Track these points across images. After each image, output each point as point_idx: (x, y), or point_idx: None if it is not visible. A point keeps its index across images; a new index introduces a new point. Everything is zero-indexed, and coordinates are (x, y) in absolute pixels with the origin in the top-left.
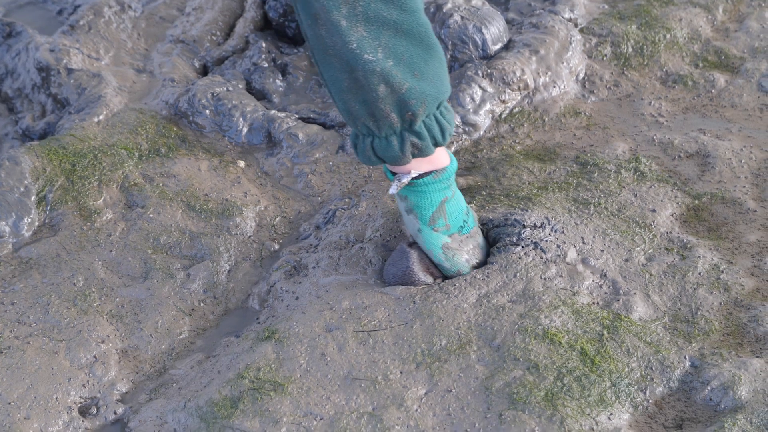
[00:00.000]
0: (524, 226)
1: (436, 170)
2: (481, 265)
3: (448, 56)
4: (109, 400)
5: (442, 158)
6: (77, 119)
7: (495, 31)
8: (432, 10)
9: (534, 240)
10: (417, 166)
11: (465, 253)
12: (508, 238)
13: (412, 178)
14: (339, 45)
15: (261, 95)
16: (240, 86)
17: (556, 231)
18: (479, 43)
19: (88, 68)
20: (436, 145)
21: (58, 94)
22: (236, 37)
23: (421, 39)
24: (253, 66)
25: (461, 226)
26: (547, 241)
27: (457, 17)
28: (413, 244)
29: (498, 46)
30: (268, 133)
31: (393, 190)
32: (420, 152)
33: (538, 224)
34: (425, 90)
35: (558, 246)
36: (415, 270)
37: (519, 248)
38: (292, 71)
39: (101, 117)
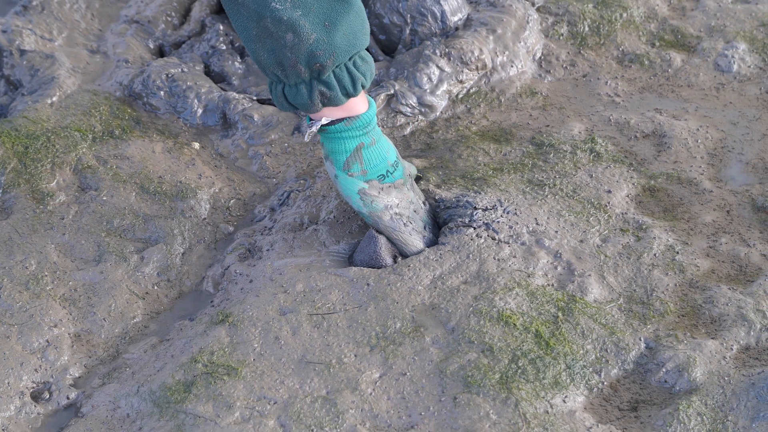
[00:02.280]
0: (476, 208)
1: (348, 117)
2: (415, 224)
3: (408, 30)
4: (62, 385)
5: (357, 106)
6: (30, 101)
7: (453, 3)
8: None
9: (486, 221)
10: (329, 113)
11: (385, 200)
12: (459, 219)
13: (323, 125)
14: None
15: (220, 78)
16: (197, 69)
17: (508, 212)
18: (438, 15)
19: (41, 49)
20: (348, 95)
21: (10, 76)
22: (192, 21)
23: None
24: (212, 49)
25: (382, 175)
26: (499, 222)
27: None
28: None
29: (457, 17)
30: (223, 115)
31: (306, 137)
32: (329, 101)
33: (490, 206)
34: (335, 42)
35: (510, 227)
36: (382, 255)
37: (471, 229)
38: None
39: (54, 98)
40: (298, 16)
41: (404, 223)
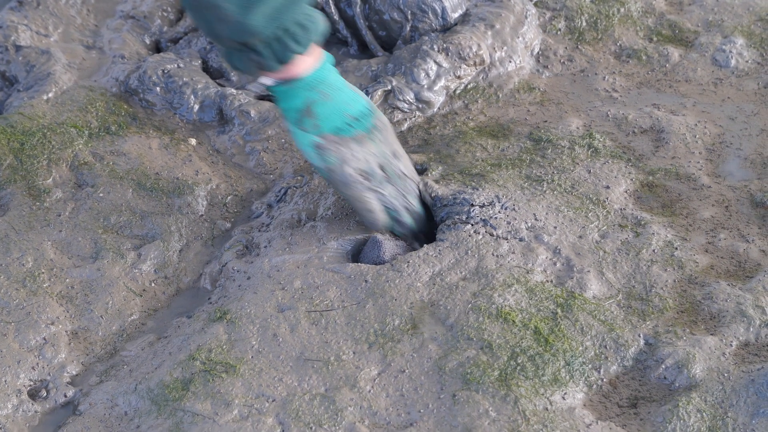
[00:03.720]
0: (473, 205)
1: (290, 78)
2: (374, 182)
3: (408, 26)
4: (59, 383)
5: (297, 69)
6: (26, 97)
7: None
8: None
9: (483, 217)
10: (272, 74)
11: (342, 154)
12: (457, 216)
13: (267, 86)
14: None
15: (219, 74)
16: (195, 64)
17: (506, 208)
18: (438, 11)
19: (36, 45)
20: (281, 62)
21: (6, 72)
22: (189, 17)
23: None
24: (210, 44)
25: (338, 128)
26: (497, 218)
27: None
28: (384, 234)
29: (457, 14)
30: (219, 111)
31: (251, 95)
32: (263, 68)
33: (488, 202)
34: (255, 22)
35: (509, 223)
36: (386, 259)
37: (469, 226)
38: None
39: (50, 95)
40: None
41: (361, 179)
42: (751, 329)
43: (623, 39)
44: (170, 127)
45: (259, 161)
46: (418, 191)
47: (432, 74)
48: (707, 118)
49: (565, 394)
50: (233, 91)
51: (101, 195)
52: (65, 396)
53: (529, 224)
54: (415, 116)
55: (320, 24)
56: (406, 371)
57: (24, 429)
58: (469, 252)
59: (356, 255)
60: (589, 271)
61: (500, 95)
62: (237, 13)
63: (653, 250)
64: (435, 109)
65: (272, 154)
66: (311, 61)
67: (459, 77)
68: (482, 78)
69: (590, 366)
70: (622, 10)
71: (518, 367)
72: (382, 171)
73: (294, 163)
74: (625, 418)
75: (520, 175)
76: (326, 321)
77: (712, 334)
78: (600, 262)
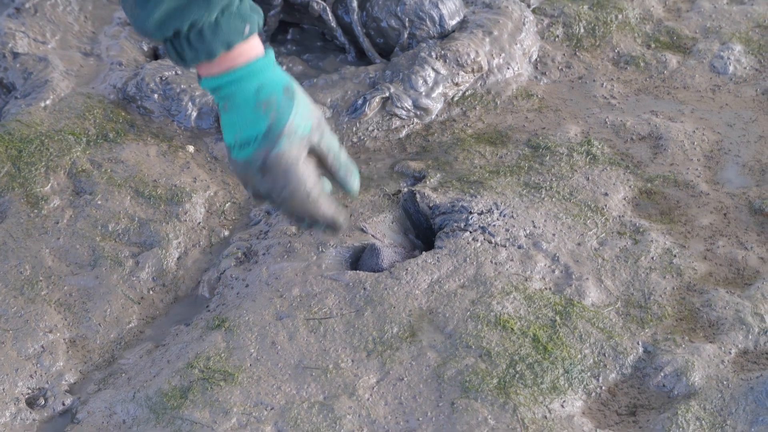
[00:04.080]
0: (471, 212)
1: (205, 75)
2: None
3: (406, 34)
4: (57, 391)
5: (205, 69)
6: (23, 104)
7: (451, 6)
8: None
9: (482, 225)
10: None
11: (236, 173)
12: (455, 224)
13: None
14: None
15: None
16: (193, 71)
17: (504, 216)
18: (436, 18)
19: (34, 52)
20: (184, 64)
21: (3, 79)
22: None
23: None
24: None
25: (230, 145)
26: (495, 225)
27: None
28: (383, 243)
29: (455, 21)
30: (217, 118)
31: None
32: (184, 64)
33: (486, 210)
34: (148, 24)
35: (507, 230)
36: (385, 267)
37: (467, 233)
38: None
39: (48, 102)
40: None
41: (253, 195)
42: (750, 337)
43: (621, 46)
44: (168, 134)
45: None
46: None
47: (430, 81)
48: (705, 124)
49: (564, 402)
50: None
51: (99, 202)
52: (63, 404)
53: (528, 231)
54: (413, 123)
55: (228, 30)
56: (405, 379)
57: None
58: (468, 259)
59: (355, 262)
60: (587, 279)
61: (498, 102)
62: (136, 13)
63: (652, 258)
64: (433, 116)
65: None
66: (217, 65)
67: (457, 84)
68: (480, 85)
69: (589, 374)
70: (620, 16)
71: (517, 375)
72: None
73: None
74: (624, 426)
75: (519, 183)
76: (325, 329)
77: (710, 342)
78: (599, 269)
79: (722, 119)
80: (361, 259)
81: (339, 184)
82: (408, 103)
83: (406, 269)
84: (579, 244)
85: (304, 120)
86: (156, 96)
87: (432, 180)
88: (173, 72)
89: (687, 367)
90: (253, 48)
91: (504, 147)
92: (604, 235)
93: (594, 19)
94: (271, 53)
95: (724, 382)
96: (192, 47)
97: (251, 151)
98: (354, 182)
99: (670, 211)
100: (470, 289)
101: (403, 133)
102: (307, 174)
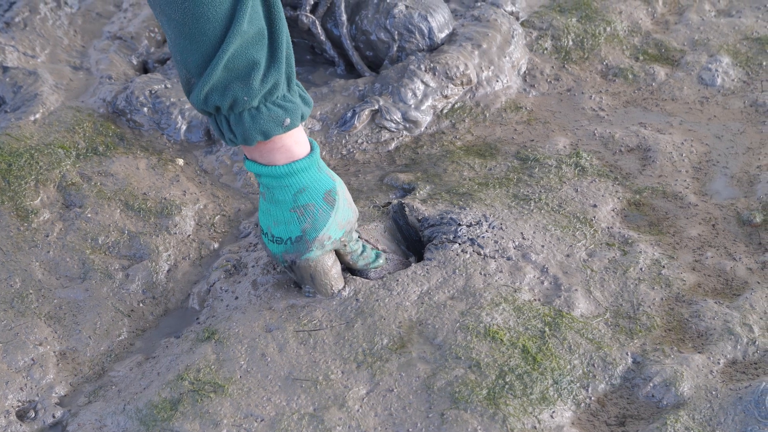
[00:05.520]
0: (460, 225)
1: (249, 158)
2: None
3: (395, 47)
4: (48, 404)
5: (254, 152)
6: (13, 118)
7: (440, 19)
8: (375, 1)
9: (471, 237)
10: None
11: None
12: (444, 236)
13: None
14: None
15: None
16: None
17: (493, 227)
18: (425, 31)
19: (23, 66)
20: (233, 141)
21: None
22: None
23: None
24: None
25: (263, 231)
26: (484, 237)
27: (401, 6)
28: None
29: (444, 34)
30: (207, 131)
31: None
32: (225, 142)
33: (475, 222)
34: (193, 95)
35: (496, 242)
36: (372, 277)
37: (456, 245)
38: None
39: (38, 115)
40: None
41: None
42: (739, 347)
43: (610, 58)
44: (158, 147)
45: (246, 181)
46: None
47: (419, 94)
48: (694, 136)
49: (554, 412)
50: None
51: (89, 215)
52: (53, 417)
53: (517, 243)
54: (402, 136)
55: (267, 120)
56: (395, 390)
57: None
58: (457, 271)
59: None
60: (576, 290)
61: (487, 114)
62: (188, 81)
63: (641, 269)
64: (422, 129)
65: None
66: (267, 153)
67: (446, 97)
68: (469, 97)
69: (578, 384)
70: (608, 29)
71: (506, 386)
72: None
73: None
74: None
75: (508, 194)
76: (314, 340)
77: (699, 352)
78: (587, 280)
79: (710, 131)
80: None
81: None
82: (397, 116)
83: (396, 281)
84: (568, 255)
85: (338, 229)
86: (145, 109)
87: (421, 192)
88: (163, 85)
89: (676, 377)
90: (296, 143)
91: (493, 159)
92: (592, 246)
93: (582, 32)
94: (317, 151)
95: (713, 392)
96: (230, 129)
97: (281, 251)
98: (374, 265)
99: (658, 223)
100: (460, 300)
101: (393, 145)
102: (332, 277)
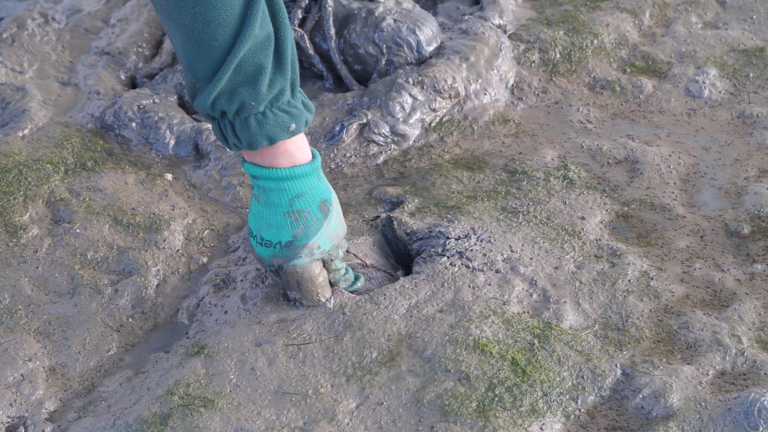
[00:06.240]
0: (448, 238)
1: (248, 161)
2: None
3: (384, 60)
4: (37, 419)
5: (257, 156)
6: (1, 134)
7: (429, 32)
8: (364, 14)
9: (459, 250)
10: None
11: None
12: (432, 249)
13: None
14: None
15: (194, 109)
16: (171, 99)
17: (482, 240)
18: (414, 44)
19: (11, 82)
20: (237, 146)
21: None
22: (164, 53)
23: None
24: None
25: (251, 233)
26: (472, 250)
27: (390, 20)
28: (365, 263)
29: (432, 47)
30: (195, 145)
31: None
32: (227, 146)
33: (463, 235)
34: (205, 102)
35: (485, 255)
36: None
37: (445, 258)
38: None
39: (26, 131)
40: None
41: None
42: (728, 358)
43: (597, 70)
44: (146, 162)
45: (235, 195)
46: None
47: (407, 107)
48: (681, 148)
49: (543, 424)
50: (209, 125)
51: (78, 231)
52: None
53: (505, 256)
54: (390, 149)
55: (273, 125)
56: (385, 404)
57: None
58: (446, 284)
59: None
60: (565, 302)
61: (475, 128)
62: (194, 87)
63: (629, 281)
64: (410, 142)
65: (248, 188)
66: (269, 157)
67: (434, 110)
68: (457, 111)
69: (568, 396)
70: (595, 41)
71: (496, 398)
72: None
73: None
74: None
75: (496, 207)
76: (304, 354)
77: (688, 364)
78: (576, 292)
79: (698, 143)
80: None
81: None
82: (385, 130)
83: (385, 294)
84: (556, 267)
85: (328, 240)
86: (134, 124)
87: (409, 205)
88: (151, 101)
89: (665, 388)
90: (299, 149)
91: (481, 172)
92: (581, 258)
93: (570, 45)
94: (318, 159)
95: (702, 404)
96: (235, 134)
97: (269, 254)
98: (352, 288)
99: (646, 234)
100: (448, 313)
101: (381, 159)
102: (319, 285)
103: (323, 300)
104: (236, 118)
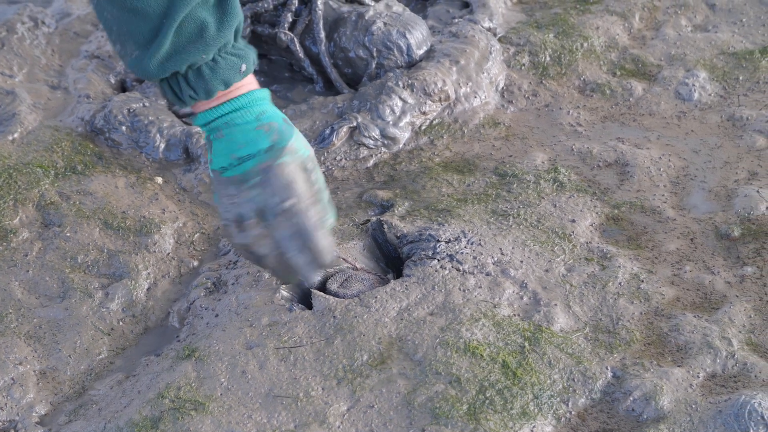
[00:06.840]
0: (438, 241)
1: (202, 111)
2: (250, 230)
3: (374, 64)
4: (28, 423)
5: (197, 106)
6: None
7: (419, 36)
8: (354, 18)
9: (450, 253)
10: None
11: (224, 197)
12: (423, 252)
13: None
14: None
15: (187, 112)
16: (161, 103)
17: (472, 243)
18: (404, 48)
19: (1, 86)
20: (181, 102)
21: None
22: None
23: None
24: None
25: (223, 167)
26: (463, 253)
27: (380, 23)
28: (355, 267)
29: (422, 50)
30: (185, 149)
31: None
32: (181, 103)
33: (454, 238)
34: (150, 66)
35: (475, 258)
36: (349, 295)
37: (435, 261)
38: None
39: (16, 135)
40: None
41: (235, 221)
42: (718, 360)
43: (587, 73)
44: (136, 166)
45: None
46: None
47: (397, 110)
48: (671, 151)
49: (534, 427)
50: (199, 129)
51: (68, 234)
52: None
53: (496, 259)
54: (380, 152)
55: (225, 69)
56: (375, 406)
57: None
58: (436, 287)
59: (323, 289)
60: (555, 305)
61: (466, 131)
62: (131, 55)
63: (619, 283)
64: (401, 145)
65: None
66: (210, 102)
67: (424, 113)
68: (447, 113)
69: (558, 399)
70: (585, 44)
71: (487, 401)
72: (258, 216)
73: None
74: None
75: (486, 210)
76: (295, 357)
77: (679, 366)
78: (567, 295)
79: (688, 145)
80: (326, 285)
81: None
82: (376, 133)
83: (375, 297)
84: (547, 270)
85: (304, 145)
86: (124, 128)
87: (400, 209)
88: (141, 104)
89: (656, 391)
90: (251, 83)
91: (471, 175)
92: (571, 261)
93: (560, 48)
94: (268, 92)
95: (693, 406)
96: (190, 86)
97: (253, 163)
98: (329, 221)
99: (637, 237)
100: (439, 316)
101: (371, 162)
102: (306, 191)
103: (327, 244)
104: (188, 72)
